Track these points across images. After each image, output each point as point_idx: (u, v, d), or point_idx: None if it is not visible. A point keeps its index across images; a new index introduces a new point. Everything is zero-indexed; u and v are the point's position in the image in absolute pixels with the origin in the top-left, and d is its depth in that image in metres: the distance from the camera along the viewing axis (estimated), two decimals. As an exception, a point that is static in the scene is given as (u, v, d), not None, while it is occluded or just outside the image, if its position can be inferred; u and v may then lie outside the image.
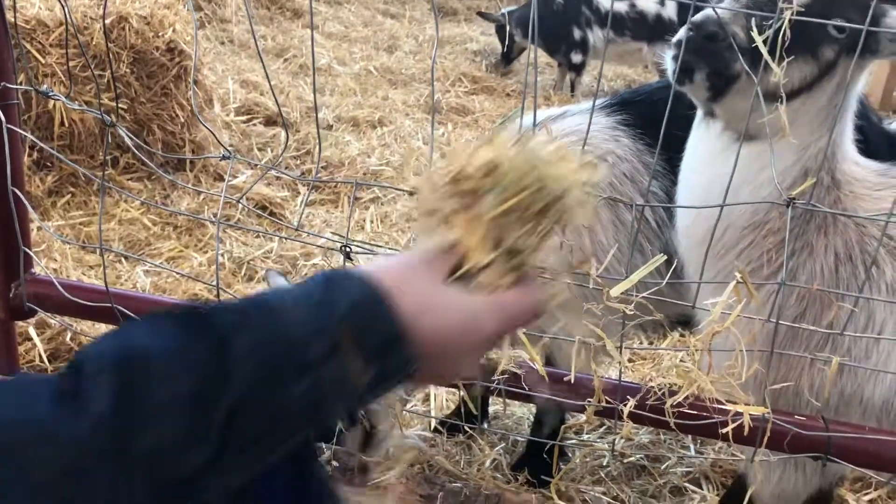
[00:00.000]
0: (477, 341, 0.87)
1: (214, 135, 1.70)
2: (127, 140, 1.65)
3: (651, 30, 7.19)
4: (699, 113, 1.63)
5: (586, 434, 2.91)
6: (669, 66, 1.51)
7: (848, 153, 1.58)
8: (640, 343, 3.49)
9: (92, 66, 3.78)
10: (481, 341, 0.88)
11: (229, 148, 4.71)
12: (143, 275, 3.50)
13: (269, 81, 1.49)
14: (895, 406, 1.55)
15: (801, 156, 1.48)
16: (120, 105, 4.11)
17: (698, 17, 1.44)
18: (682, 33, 1.47)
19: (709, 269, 1.57)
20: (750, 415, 1.45)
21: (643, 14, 7.25)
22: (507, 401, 2.68)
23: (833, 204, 1.54)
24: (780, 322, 1.44)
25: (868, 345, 1.53)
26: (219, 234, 3.32)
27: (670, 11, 7.14)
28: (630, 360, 3.38)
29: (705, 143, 1.58)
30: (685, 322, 2.01)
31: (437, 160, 5.21)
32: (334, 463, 1.72)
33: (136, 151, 1.67)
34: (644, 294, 1.43)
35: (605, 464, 2.70)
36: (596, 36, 7.41)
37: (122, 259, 3.59)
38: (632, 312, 1.42)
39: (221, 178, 4.38)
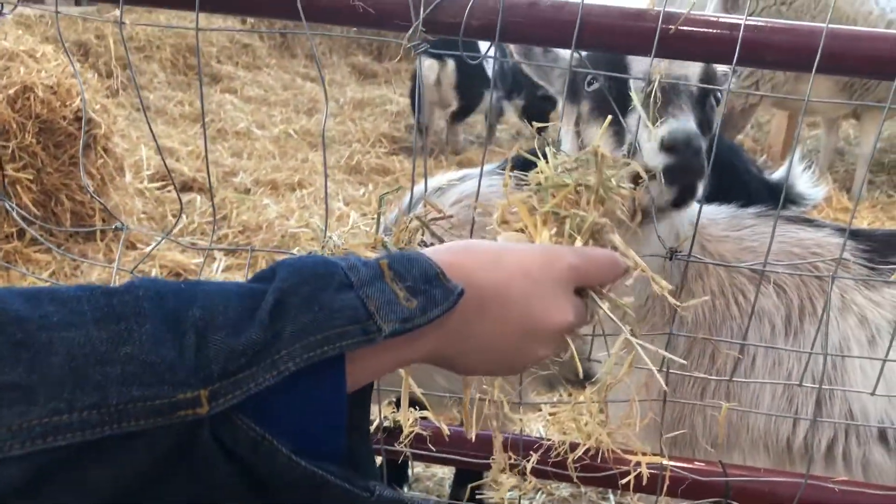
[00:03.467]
0: (559, 273, 0.86)
1: (107, 208, 1.67)
2: (16, 217, 1.61)
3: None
4: None
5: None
6: (656, 192, 1.41)
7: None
8: (561, 396, 3.52)
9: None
10: (563, 273, 0.87)
11: (142, 215, 4.65)
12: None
13: (156, 141, 1.49)
14: (775, 430, 1.62)
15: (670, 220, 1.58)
16: (26, 175, 4.01)
17: (679, 135, 1.34)
18: (659, 159, 1.36)
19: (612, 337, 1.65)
20: (648, 464, 1.47)
21: None
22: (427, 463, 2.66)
23: (701, 249, 1.64)
24: (671, 371, 1.49)
25: (745, 371, 1.62)
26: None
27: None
28: (551, 414, 3.41)
29: None
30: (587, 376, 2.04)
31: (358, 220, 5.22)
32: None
33: (26, 227, 1.62)
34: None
35: (526, 520, 2.70)
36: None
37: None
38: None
39: (135, 247, 4.30)
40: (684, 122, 1.36)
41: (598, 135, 1.32)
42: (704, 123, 1.48)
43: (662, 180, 1.37)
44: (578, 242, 0.99)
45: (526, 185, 1.11)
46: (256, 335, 0.67)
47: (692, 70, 1.51)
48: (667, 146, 1.34)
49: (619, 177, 1.09)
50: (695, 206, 1.69)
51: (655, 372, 1.12)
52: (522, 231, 1.05)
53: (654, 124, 1.37)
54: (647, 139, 1.36)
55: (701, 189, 1.44)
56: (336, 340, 0.70)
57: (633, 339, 1.34)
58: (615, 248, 1.02)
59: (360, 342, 0.72)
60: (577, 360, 0.99)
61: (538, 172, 1.07)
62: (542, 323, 0.85)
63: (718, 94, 1.56)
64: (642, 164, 1.34)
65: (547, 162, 1.11)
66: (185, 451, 0.65)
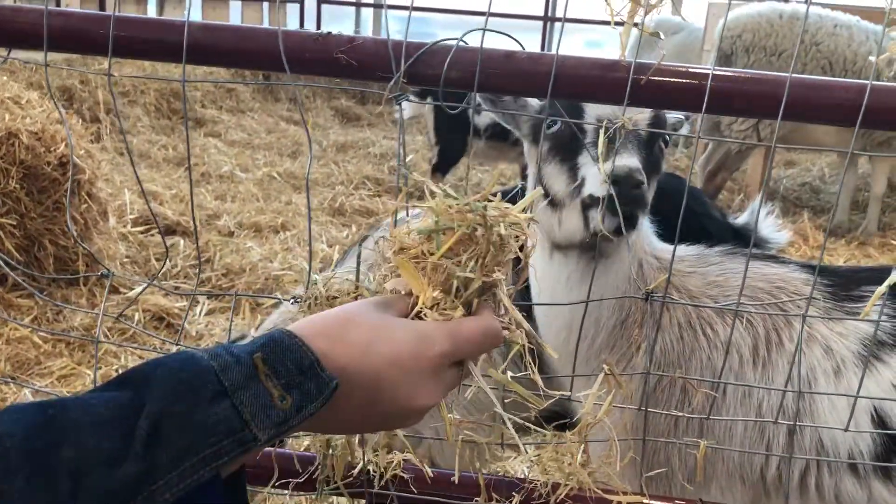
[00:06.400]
0: (429, 361, 0.89)
1: (91, 254, 1.70)
2: (2, 264, 1.63)
3: None
4: (546, 249, 1.75)
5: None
6: (599, 219, 1.55)
7: (655, 243, 1.80)
8: (545, 437, 3.53)
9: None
10: (433, 361, 0.89)
11: (125, 259, 4.64)
12: (30, 396, 3.36)
13: (141, 187, 1.51)
14: (750, 461, 1.65)
15: (634, 253, 1.64)
16: (8, 221, 4.01)
17: (621, 170, 1.48)
18: (602, 189, 1.51)
19: (583, 365, 1.69)
20: (629, 503, 1.49)
21: None
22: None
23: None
24: (650, 410, 1.51)
25: (717, 402, 1.66)
26: (98, 356, 3.22)
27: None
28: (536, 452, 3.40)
29: (561, 271, 1.74)
30: (558, 416, 2.06)
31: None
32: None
33: (11, 273, 1.64)
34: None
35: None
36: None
37: (10, 380, 3.44)
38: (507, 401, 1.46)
39: (118, 291, 4.29)
40: (628, 158, 1.49)
41: (491, 183, 1.29)
42: (651, 164, 1.63)
43: (607, 210, 1.50)
44: (459, 312, 0.96)
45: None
46: (132, 468, 0.68)
47: (642, 116, 1.63)
48: (612, 180, 1.47)
49: (510, 225, 1.01)
50: (661, 242, 1.76)
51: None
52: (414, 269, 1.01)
53: (604, 161, 1.48)
54: (595, 173, 1.51)
55: (642, 218, 1.57)
56: (212, 460, 0.72)
57: (613, 374, 1.37)
58: (502, 307, 1.01)
59: (236, 455, 0.74)
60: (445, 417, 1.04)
61: (428, 215, 1.01)
62: (407, 407, 0.90)
63: (667, 137, 1.67)
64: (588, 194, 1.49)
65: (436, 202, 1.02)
66: None
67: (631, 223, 1.54)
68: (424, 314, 0.95)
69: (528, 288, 1.85)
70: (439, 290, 0.96)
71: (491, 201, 1.01)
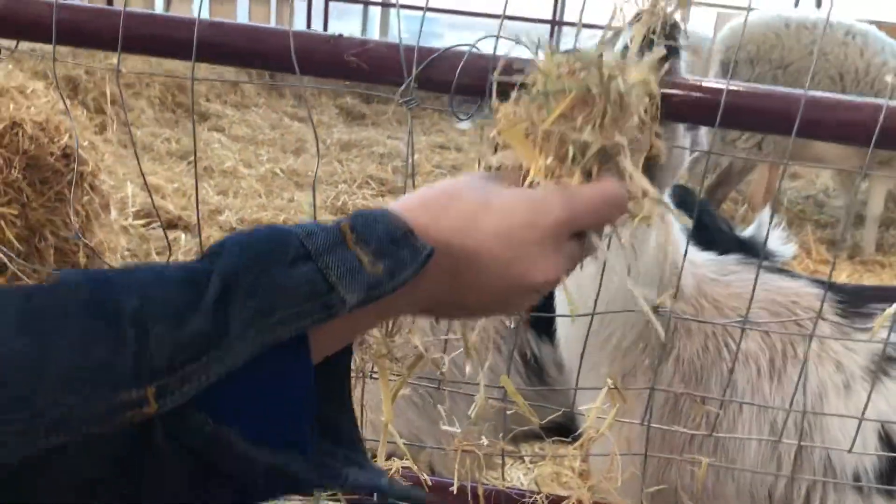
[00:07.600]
0: (544, 230, 0.79)
1: (92, 247, 1.68)
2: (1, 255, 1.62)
3: None
4: None
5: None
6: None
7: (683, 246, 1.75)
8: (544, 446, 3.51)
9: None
10: (550, 230, 0.79)
11: (126, 252, 4.63)
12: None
13: (145, 181, 1.50)
14: (761, 478, 1.64)
15: (662, 258, 1.62)
16: (10, 211, 4.00)
17: None
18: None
19: (594, 376, 1.67)
20: (629, 519, 1.48)
21: None
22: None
23: (697, 290, 1.70)
24: (653, 425, 1.50)
25: (734, 415, 1.64)
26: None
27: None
28: (532, 462, 3.40)
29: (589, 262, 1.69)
30: (561, 428, 2.05)
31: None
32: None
33: (10, 264, 1.63)
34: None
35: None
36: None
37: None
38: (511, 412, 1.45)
39: (117, 284, 4.27)
40: None
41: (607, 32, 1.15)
42: None
43: None
44: (576, 179, 0.86)
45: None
46: (202, 323, 0.62)
47: None
48: None
49: (631, 84, 0.90)
50: (681, 247, 1.73)
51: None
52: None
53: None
54: None
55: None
56: (293, 321, 0.65)
57: (616, 389, 1.36)
58: (626, 174, 0.90)
59: (321, 318, 0.67)
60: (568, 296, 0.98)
61: (536, 77, 0.90)
62: (523, 284, 0.80)
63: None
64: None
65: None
66: (137, 455, 0.61)
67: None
68: (537, 184, 0.85)
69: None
70: (552, 157, 0.87)
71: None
